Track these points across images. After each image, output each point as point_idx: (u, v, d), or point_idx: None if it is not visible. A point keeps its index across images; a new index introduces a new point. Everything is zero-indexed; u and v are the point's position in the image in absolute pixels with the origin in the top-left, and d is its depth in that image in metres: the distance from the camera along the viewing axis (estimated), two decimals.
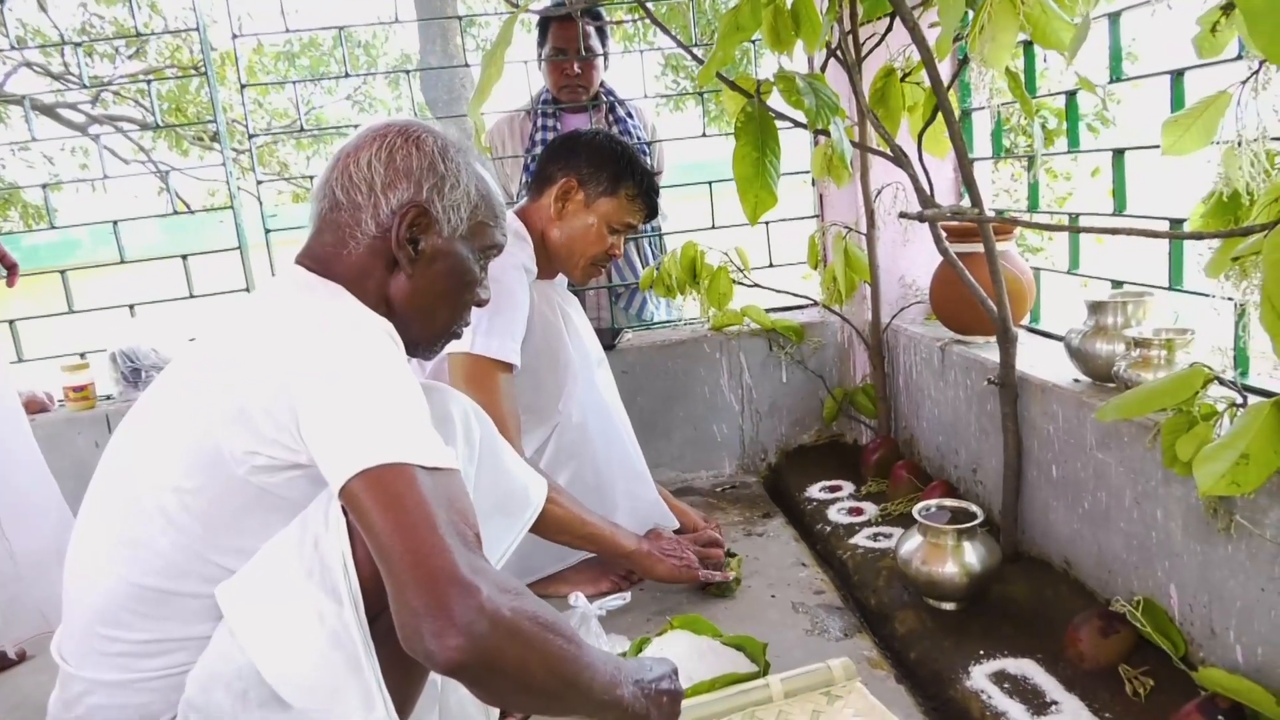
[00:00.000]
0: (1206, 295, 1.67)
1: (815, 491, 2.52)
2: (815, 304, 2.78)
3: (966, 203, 1.90)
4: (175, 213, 3.08)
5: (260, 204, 2.81)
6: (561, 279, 2.14)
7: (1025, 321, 2.20)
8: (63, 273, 2.73)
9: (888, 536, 2.15)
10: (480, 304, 1.38)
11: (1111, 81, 1.86)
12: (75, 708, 1.15)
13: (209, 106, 9.76)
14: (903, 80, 2.04)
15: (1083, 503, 1.75)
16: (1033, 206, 2.26)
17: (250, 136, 3.09)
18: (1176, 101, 1.70)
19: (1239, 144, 1.27)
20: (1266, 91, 1.26)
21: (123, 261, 2.77)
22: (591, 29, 2.80)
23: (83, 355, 2.71)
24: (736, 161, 1.77)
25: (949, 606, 1.79)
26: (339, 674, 1.01)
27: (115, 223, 2.76)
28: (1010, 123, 2.78)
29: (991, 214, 2.03)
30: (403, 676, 1.12)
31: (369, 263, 1.23)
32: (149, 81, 8.71)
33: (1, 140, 9.49)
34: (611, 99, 2.95)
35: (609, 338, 2.68)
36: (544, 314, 1.98)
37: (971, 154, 2.32)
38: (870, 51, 2.02)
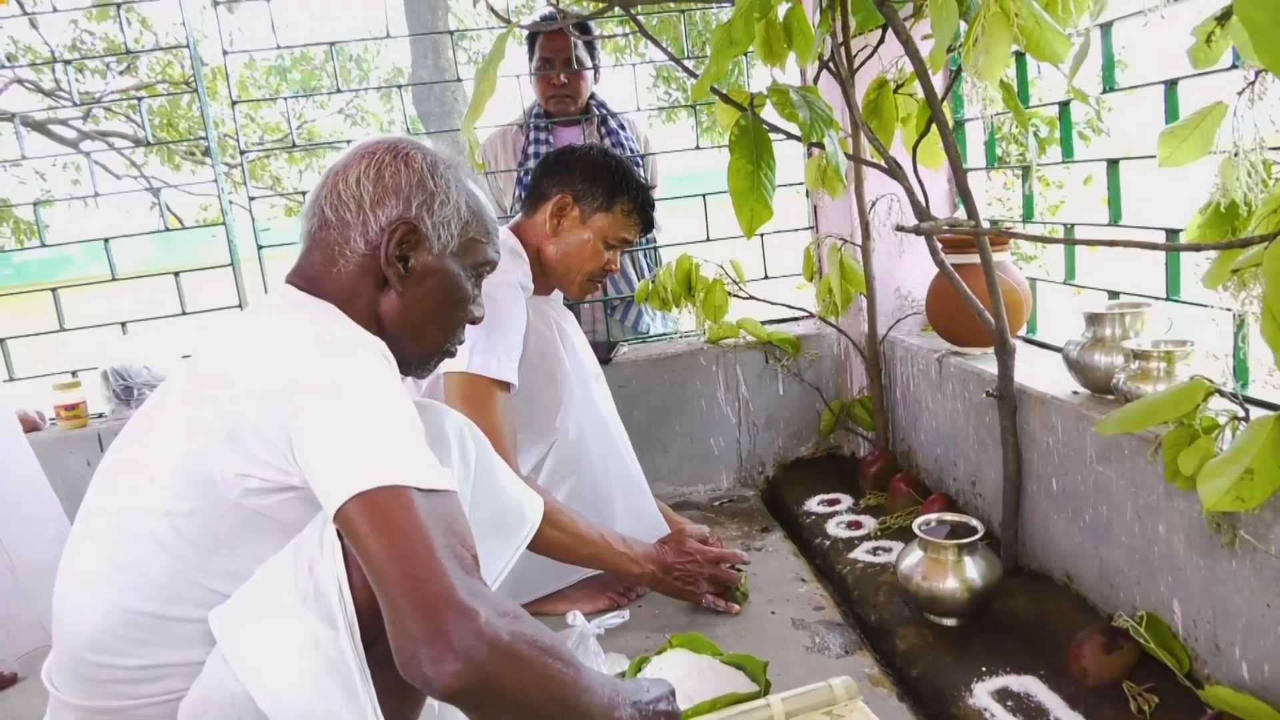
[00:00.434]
0: (1205, 306, 1.67)
1: (814, 505, 2.51)
2: (811, 316, 2.77)
3: (962, 214, 1.89)
4: (167, 229, 3.07)
5: (253, 219, 2.79)
6: (557, 294, 2.13)
7: (1022, 332, 2.19)
8: (54, 290, 2.71)
9: (887, 550, 2.14)
10: (474, 321, 1.36)
11: (1105, 91, 1.86)
12: None
13: (200, 122, 9.78)
14: (896, 92, 2.04)
15: (1084, 516, 1.73)
16: (1027, 216, 2.26)
17: (242, 152, 3.07)
18: (1170, 111, 1.69)
19: (1236, 154, 1.27)
20: (1263, 101, 1.26)
21: (114, 278, 2.75)
22: (579, 41, 2.80)
23: (74, 373, 2.69)
24: (731, 175, 1.76)
25: (950, 622, 1.78)
26: (334, 701, 0.99)
27: (107, 240, 2.74)
28: (1002, 131, 2.77)
29: (987, 225, 2.03)
30: (399, 703, 1.11)
31: (359, 281, 1.22)
32: (140, 98, 8.68)
33: None
34: (604, 111, 2.94)
35: (604, 351, 2.67)
36: (540, 330, 1.97)
37: (965, 165, 2.32)
38: (863, 64, 2.01)
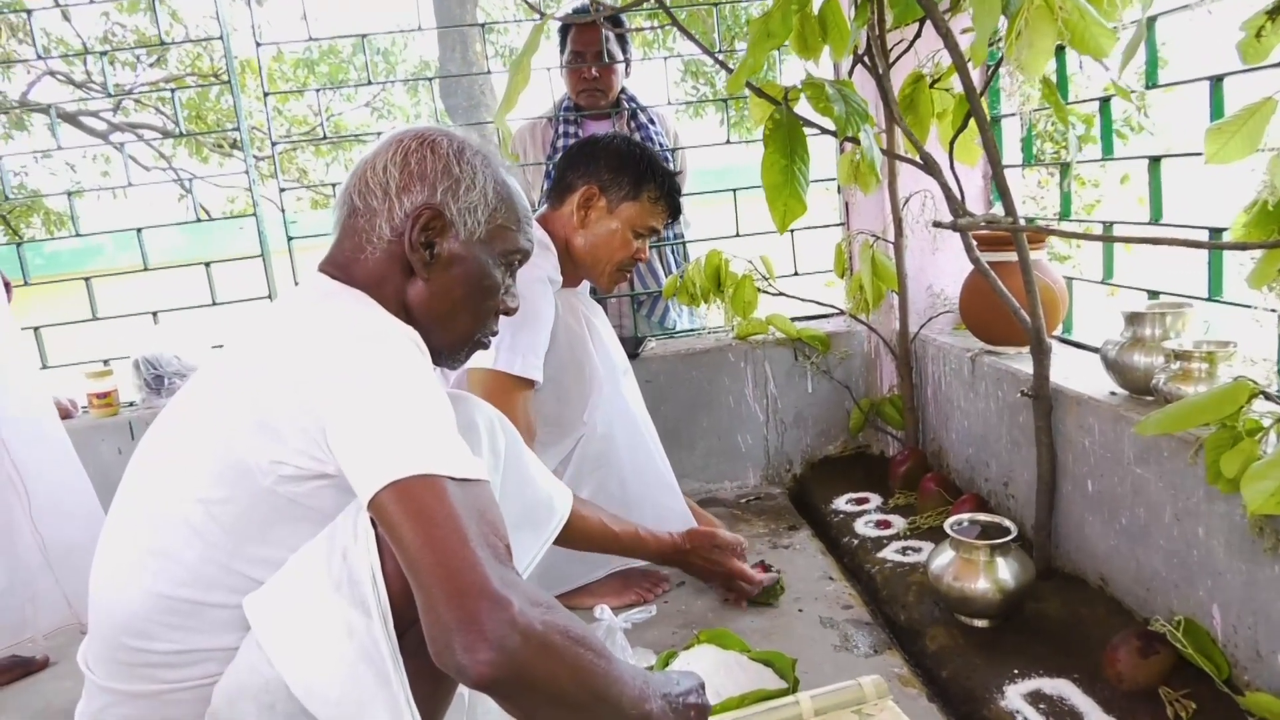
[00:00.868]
0: (1248, 306, 1.64)
1: (842, 503, 2.49)
2: (841, 313, 2.75)
3: (997, 211, 1.87)
4: (198, 220, 3.09)
5: (283, 211, 2.80)
6: (584, 286, 2.13)
7: (1057, 332, 2.16)
8: (87, 280, 2.73)
9: (917, 550, 2.12)
10: (507, 312, 1.35)
11: (1148, 88, 1.83)
12: (102, 718, 1.14)
13: (229, 114, 9.85)
14: (932, 86, 2.02)
15: (1120, 518, 1.71)
16: (1065, 214, 2.22)
17: (273, 144, 3.09)
18: (1216, 108, 1.66)
19: None
20: None
21: (146, 268, 2.78)
22: (611, 34, 2.79)
23: (106, 362, 2.71)
24: (765, 169, 1.75)
25: (981, 623, 1.76)
26: (367, 688, 1.00)
27: (139, 230, 2.76)
28: (1037, 128, 2.74)
29: (1023, 222, 2.00)
30: (430, 691, 1.11)
31: (386, 268, 1.22)
32: (172, 90, 8.76)
33: (24, 148, 9.59)
34: (633, 105, 2.93)
35: (632, 346, 2.66)
36: (569, 324, 1.96)
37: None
38: (899, 58, 1.99)
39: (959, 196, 1.78)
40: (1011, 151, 2.43)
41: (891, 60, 1.97)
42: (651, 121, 2.94)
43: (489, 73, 4.51)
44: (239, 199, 10.53)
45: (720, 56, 2.01)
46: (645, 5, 2.04)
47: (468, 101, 6.41)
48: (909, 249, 2.46)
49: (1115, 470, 1.71)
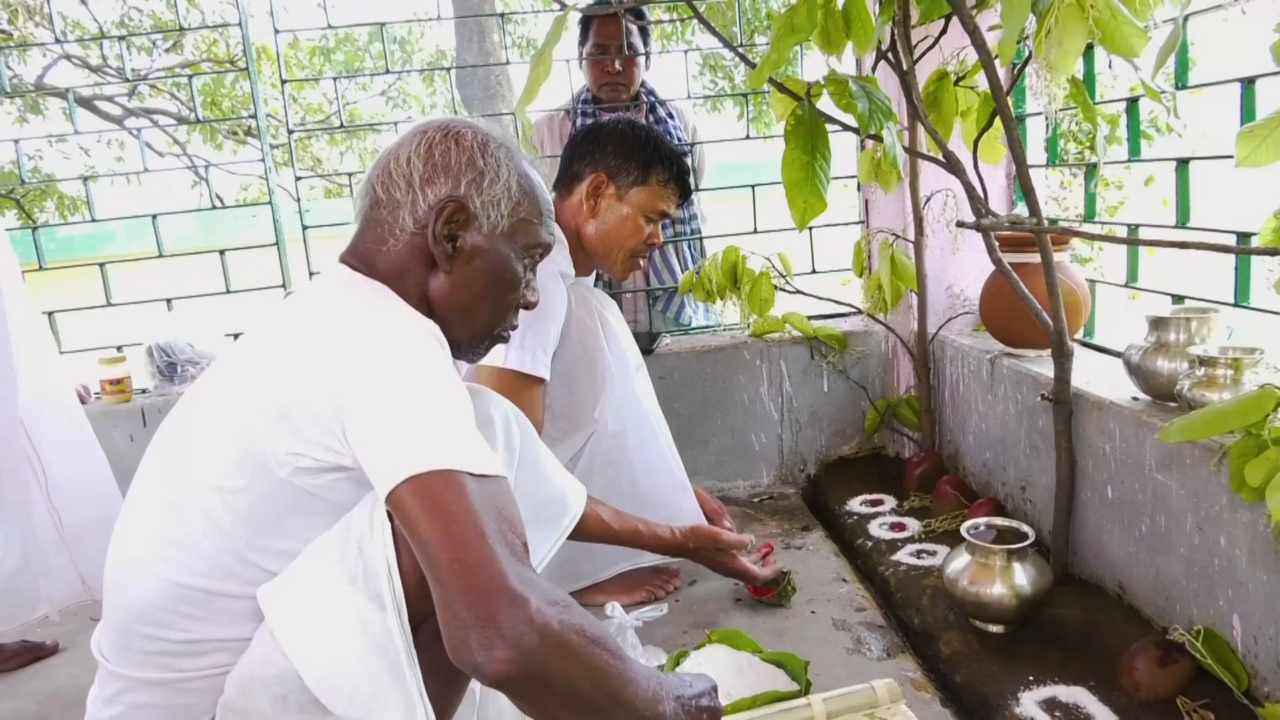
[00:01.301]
0: (1275, 313, 1.62)
1: (856, 505, 2.47)
2: (859, 312, 2.72)
3: (1021, 211, 1.85)
4: (214, 207, 3.09)
5: (298, 200, 2.79)
6: (592, 278, 2.11)
7: (1079, 335, 2.14)
8: (102, 265, 2.73)
9: (931, 554, 2.10)
10: (527, 306, 1.35)
11: (1177, 89, 1.80)
12: (114, 705, 1.14)
13: (243, 101, 9.86)
14: (956, 84, 1.99)
15: (1140, 526, 1.69)
16: (1089, 216, 2.20)
17: (289, 132, 3.08)
18: (1247, 111, 1.64)
19: None
20: None
21: (161, 255, 2.77)
22: (634, 27, 2.77)
23: (119, 348, 2.71)
24: (786, 166, 1.73)
25: (997, 629, 1.74)
26: (380, 682, 0.99)
27: (154, 217, 2.76)
28: (1061, 128, 2.71)
29: (1046, 224, 1.98)
30: (443, 686, 1.10)
31: (408, 260, 1.21)
32: (189, 76, 8.77)
33: (38, 132, 9.62)
34: (652, 99, 2.91)
35: (646, 342, 2.64)
36: (582, 319, 1.95)
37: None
38: (923, 54, 1.97)
39: (983, 196, 1.76)
40: (1035, 151, 2.41)
41: (916, 57, 1.95)
42: (670, 116, 2.92)
43: (507, 63, 4.49)
44: (252, 186, 10.55)
45: (741, 50, 1.99)
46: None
47: (484, 92, 6.39)
48: (929, 248, 2.44)
49: (1136, 477, 1.68)
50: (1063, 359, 1.78)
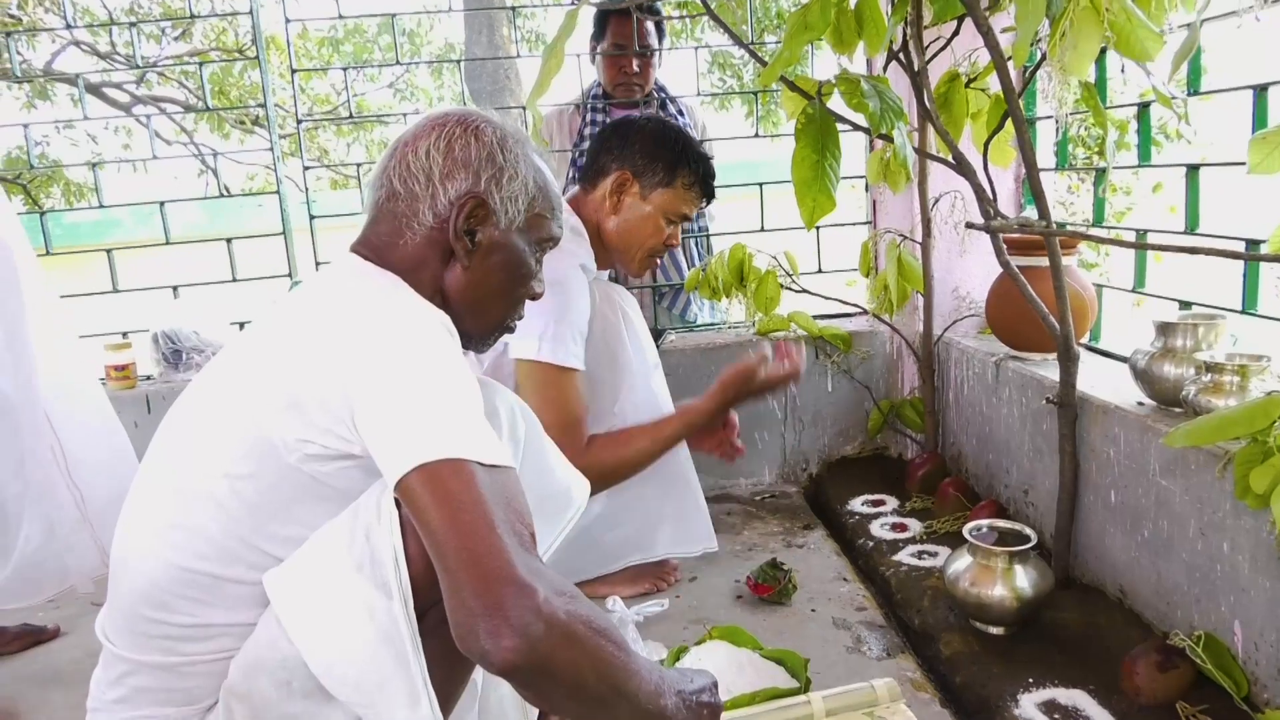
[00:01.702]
0: None
1: (857, 505, 2.47)
2: (865, 313, 2.72)
3: (1029, 214, 1.84)
4: (221, 196, 3.09)
5: (306, 190, 2.79)
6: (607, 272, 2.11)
7: (1084, 340, 2.14)
8: (108, 252, 2.73)
9: (932, 555, 2.10)
10: (534, 297, 1.35)
11: (1189, 95, 1.80)
12: (118, 687, 1.14)
13: (251, 90, 9.83)
14: (968, 86, 1.99)
15: (1142, 530, 1.69)
16: (1097, 220, 2.20)
17: (298, 121, 3.08)
18: (1259, 118, 1.64)
19: None
20: None
21: (168, 242, 2.78)
22: (650, 25, 2.76)
23: (125, 335, 2.71)
24: (795, 164, 1.73)
25: (997, 631, 1.74)
26: (385, 669, 0.99)
27: (162, 204, 2.76)
28: (1070, 133, 2.71)
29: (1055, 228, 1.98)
30: (446, 674, 1.10)
31: (425, 253, 1.21)
32: (198, 64, 8.76)
33: (46, 118, 9.61)
34: (663, 96, 2.91)
35: (652, 338, 2.64)
36: (604, 313, 1.95)
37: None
38: (935, 55, 1.97)
39: (992, 198, 1.76)
40: (1044, 155, 2.41)
41: (928, 58, 1.95)
42: (680, 113, 2.92)
43: (517, 56, 4.48)
44: (259, 176, 10.54)
45: (751, 48, 1.99)
46: None
47: (492, 86, 6.39)
48: (936, 250, 2.44)
49: (1140, 481, 1.69)
50: (1068, 363, 1.78)
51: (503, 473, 1.00)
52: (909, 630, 1.91)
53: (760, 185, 2.79)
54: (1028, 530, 1.76)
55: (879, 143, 2.26)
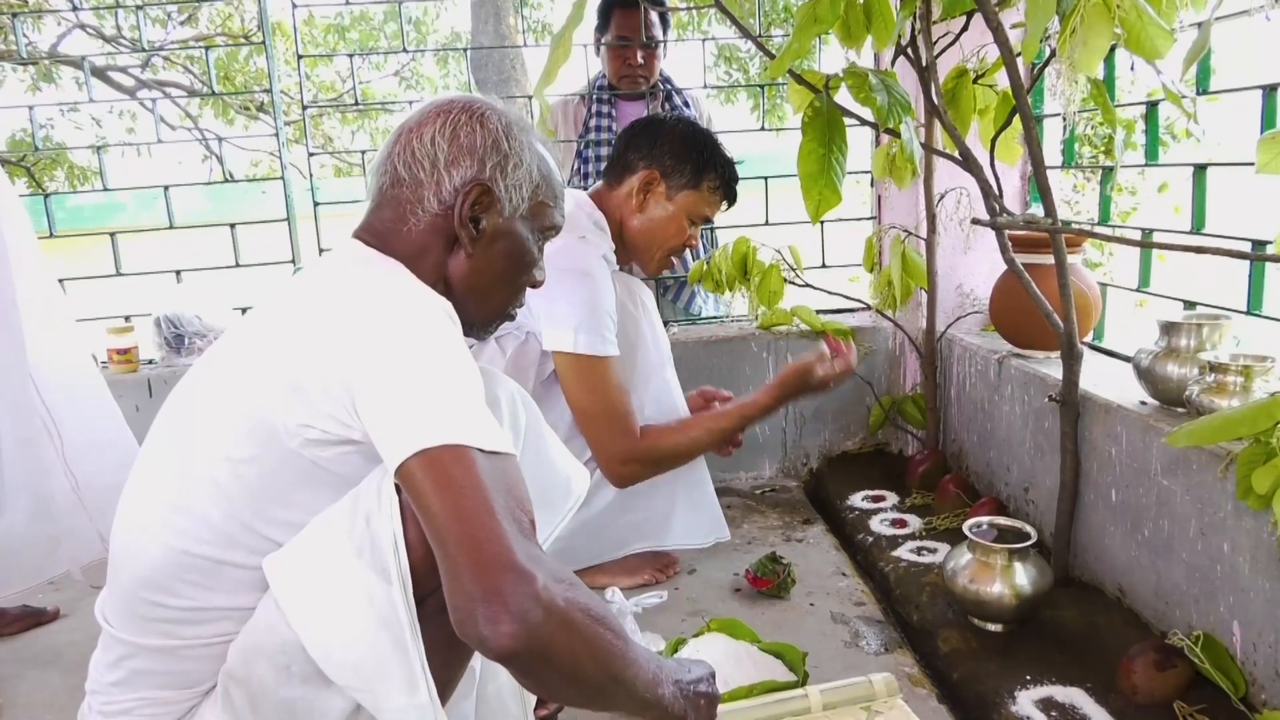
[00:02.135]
0: None
1: (857, 500, 2.47)
2: (868, 308, 2.72)
3: (1035, 211, 1.84)
4: (226, 181, 3.08)
5: (310, 177, 2.79)
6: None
7: (1088, 338, 2.13)
8: (112, 235, 2.73)
9: (932, 551, 2.10)
10: (535, 285, 1.35)
11: (1199, 94, 1.80)
12: (116, 670, 1.15)
13: (257, 76, 9.81)
14: (975, 82, 1.98)
15: (1142, 530, 1.69)
16: (1103, 219, 2.19)
17: (304, 108, 3.07)
18: (1268, 118, 1.63)
19: None
20: None
21: (171, 227, 2.77)
22: (655, 18, 2.75)
23: (127, 318, 2.71)
24: (802, 158, 1.72)
25: (995, 628, 1.74)
26: (384, 654, 1.00)
27: (166, 188, 2.76)
28: (1077, 131, 2.70)
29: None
30: (445, 660, 1.10)
31: (429, 240, 1.21)
32: (205, 49, 8.74)
33: (50, 100, 9.59)
34: (669, 87, 2.90)
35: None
36: (626, 306, 1.96)
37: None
38: (943, 51, 1.96)
39: (998, 195, 1.75)
40: (1050, 153, 2.40)
41: (936, 53, 1.94)
42: (687, 105, 2.91)
43: (524, 45, 4.48)
44: (263, 162, 10.52)
45: (759, 41, 1.98)
46: None
47: (498, 75, 6.38)
48: (941, 246, 2.43)
49: (1141, 481, 1.68)
50: (1072, 361, 1.78)
51: (503, 459, 1.00)
52: (907, 626, 1.91)
53: (765, 179, 2.79)
54: (1027, 528, 1.76)
55: (885, 137, 2.25)
